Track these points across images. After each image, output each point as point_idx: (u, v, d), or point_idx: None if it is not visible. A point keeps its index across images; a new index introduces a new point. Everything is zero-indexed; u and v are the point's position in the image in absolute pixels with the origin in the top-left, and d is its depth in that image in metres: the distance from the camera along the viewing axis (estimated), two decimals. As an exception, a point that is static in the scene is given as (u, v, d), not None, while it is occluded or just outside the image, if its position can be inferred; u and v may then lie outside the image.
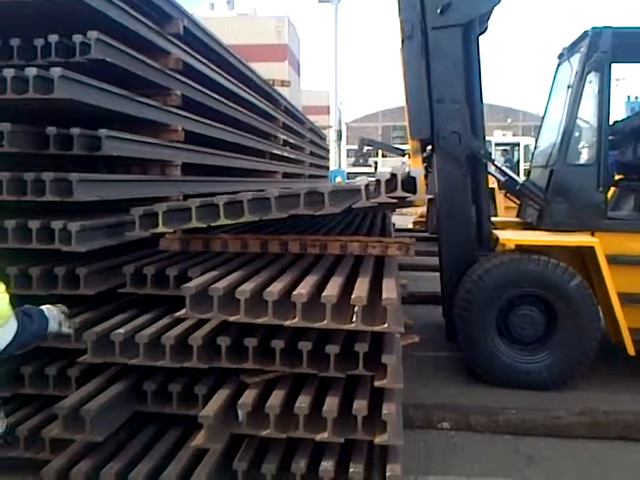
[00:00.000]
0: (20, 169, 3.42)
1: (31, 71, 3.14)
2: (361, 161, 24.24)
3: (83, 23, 3.43)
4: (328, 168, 16.06)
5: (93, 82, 3.48)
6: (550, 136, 6.02)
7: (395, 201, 3.41)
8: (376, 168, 23.80)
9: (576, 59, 5.45)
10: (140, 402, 3.31)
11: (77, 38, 3.37)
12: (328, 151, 16.00)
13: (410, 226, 15.09)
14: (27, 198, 3.35)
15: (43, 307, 2.64)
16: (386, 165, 24.36)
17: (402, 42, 5.36)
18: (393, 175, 3.34)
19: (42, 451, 3.33)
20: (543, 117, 6.55)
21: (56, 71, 3.15)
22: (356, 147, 23.66)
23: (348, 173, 24.86)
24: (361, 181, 3.53)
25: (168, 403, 3.28)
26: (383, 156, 26.53)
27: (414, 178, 3.31)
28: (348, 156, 31.16)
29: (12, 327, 2.17)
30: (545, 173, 5.61)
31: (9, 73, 3.17)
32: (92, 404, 3.02)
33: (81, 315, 3.52)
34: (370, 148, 23.43)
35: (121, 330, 3.21)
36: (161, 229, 3.54)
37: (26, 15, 3.42)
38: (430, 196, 5.17)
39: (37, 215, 3.45)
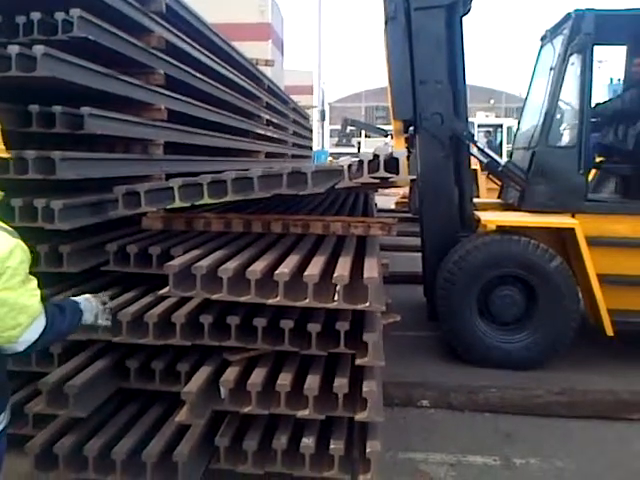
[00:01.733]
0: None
1: (13, 49, 3.11)
2: (344, 141, 24.18)
3: (65, 1, 3.40)
4: (311, 148, 16.02)
5: (76, 60, 3.45)
6: (532, 118, 6.08)
7: (378, 181, 3.43)
8: (359, 148, 23.78)
9: (559, 41, 5.49)
10: (123, 379, 3.34)
11: (59, 15, 3.34)
12: (311, 131, 15.95)
13: (393, 207, 15.16)
14: (9, 176, 3.33)
15: (82, 297, 2.54)
16: (369, 145, 24.31)
17: (385, 23, 5.37)
18: (376, 156, 3.37)
19: (25, 426, 3.36)
20: (525, 99, 6.60)
21: (39, 49, 3.12)
22: (339, 127, 23.62)
23: (331, 153, 24.85)
24: (344, 161, 3.55)
25: (151, 380, 3.31)
26: (366, 136, 26.55)
27: (397, 159, 3.33)
28: (331, 136, 31.09)
29: (40, 325, 2.03)
30: (527, 155, 5.67)
31: (-9, 50, 3.14)
32: (76, 380, 3.04)
33: (64, 293, 3.53)
34: (353, 128, 23.46)
35: (104, 308, 3.21)
36: (144, 208, 3.54)
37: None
38: (413, 177, 5.20)
39: (20, 193, 3.44)
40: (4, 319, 1.92)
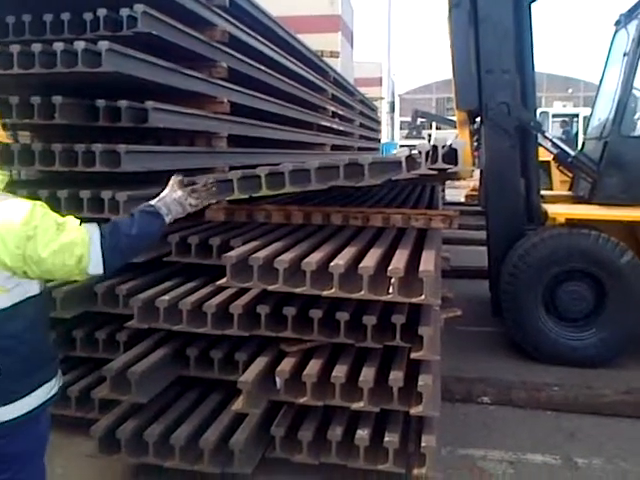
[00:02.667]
0: (71, 141, 3.53)
1: (79, 45, 3.21)
2: (414, 133, 23.93)
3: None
4: (379, 140, 15.91)
5: (140, 55, 3.54)
6: (605, 107, 5.85)
7: (436, 173, 3.38)
8: (430, 140, 23.48)
9: (633, 26, 5.25)
10: (183, 367, 3.42)
11: (124, 12, 3.42)
12: (379, 123, 15.84)
13: (462, 199, 14.87)
14: (78, 169, 3.46)
15: (154, 202, 2.42)
16: (440, 137, 24.02)
17: (449, 10, 5.26)
18: (434, 147, 3.31)
19: (91, 411, 3.50)
20: (599, 87, 6.35)
21: (103, 44, 3.21)
22: (409, 119, 23.37)
23: (401, 145, 24.60)
24: (402, 152, 3.51)
25: (210, 368, 3.38)
26: (437, 128, 26.15)
27: (456, 150, 3.26)
28: (401, 128, 30.83)
29: (96, 243, 2.07)
30: (599, 145, 5.47)
31: (58, 47, 3.25)
32: (138, 367, 3.14)
33: (128, 282, 3.64)
34: (423, 120, 23.15)
35: (166, 297, 3.31)
36: None
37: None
38: (472, 168, 5.07)
39: (87, 185, 3.56)
40: (66, 262, 2.00)
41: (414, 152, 3.40)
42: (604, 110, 5.89)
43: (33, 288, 2.06)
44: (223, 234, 3.72)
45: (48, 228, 2.00)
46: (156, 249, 3.80)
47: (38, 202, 2.06)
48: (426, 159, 3.29)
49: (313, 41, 7.54)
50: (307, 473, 3.17)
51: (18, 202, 2.03)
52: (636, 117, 5.45)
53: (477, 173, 13.49)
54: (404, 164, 3.34)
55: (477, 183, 14.06)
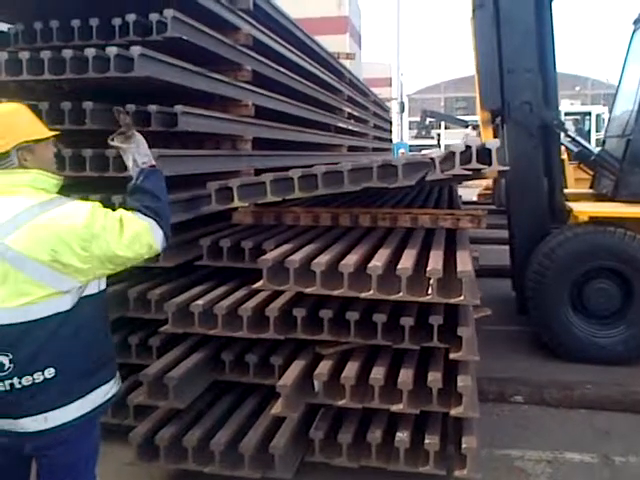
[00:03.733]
0: (100, 146, 3.53)
1: (112, 50, 3.22)
2: (423, 133, 23.95)
3: (158, 2, 3.49)
4: (391, 141, 15.90)
5: (169, 59, 3.54)
6: (626, 104, 5.81)
7: (470, 173, 3.36)
8: (439, 140, 23.46)
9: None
10: (218, 371, 3.41)
11: (154, 17, 3.42)
12: (391, 123, 15.82)
13: (475, 199, 14.86)
14: (109, 174, 3.46)
15: (142, 164, 2.50)
16: (449, 137, 23.97)
17: (473, 11, 5.25)
18: (468, 146, 3.29)
19: (127, 417, 3.50)
20: (618, 85, 6.31)
21: (136, 49, 3.22)
22: (418, 119, 23.36)
23: (410, 145, 24.59)
24: (434, 153, 3.49)
25: (245, 372, 3.37)
26: (446, 128, 26.13)
27: (489, 150, 3.24)
28: (410, 128, 30.82)
29: (154, 226, 2.20)
30: (621, 143, 5.43)
31: (90, 53, 3.26)
32: (175, 372, 3.13)
33: (161, 287, 3.64)
34: (432, 120, 23.12)
35: (200, 302, 3.30)
36: (236, 203, 3.59)
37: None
38: (505, 168, 5.03)
39: (118, 191, 3.56)
40: (139, 252, 2.13)
41: (446, 152, 3.38)
42: (625, 107, 5.85)
43: (90, 287, 2.07)
44: (254, 237, 3.71)
45: (114, 225, 2.06)
46: (184, 254, 3.80)
47: (95, 203, 2.07)
48: (460, 159, 3.27)
49: (322, 43, 7.53)
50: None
51: (77, 204, 2.05)
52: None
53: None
54: (437, 165, 3.33)
55: (490, 182, 14.13)
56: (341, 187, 3.45)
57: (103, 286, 2.18)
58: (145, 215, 2.22)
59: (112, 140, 2.60)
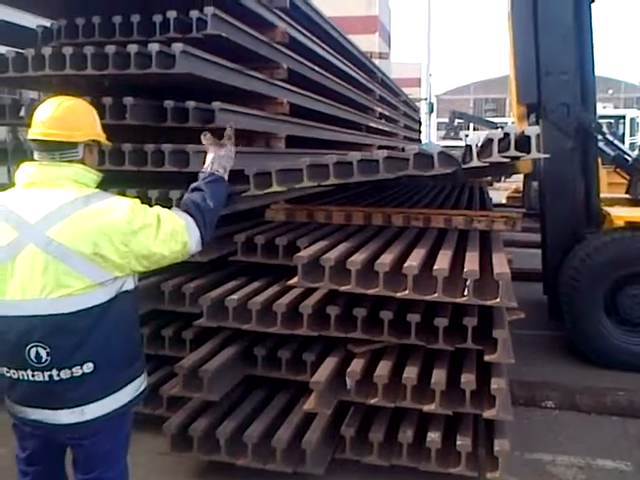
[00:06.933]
0: (135, 141, 3.57)
1: (154, 47, 3.26)
2: (452, 134, 23.73)
3: (197, -1, 3.52)
4: (420, 141, 15.83)
5: (209, 56, 3.57)
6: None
7: (509, 160, 3.30)
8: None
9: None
10: (251, 366, 3.43)
11: (194, 14, 3.45)
12: (420, 124, 15.76)
13: (504, 201, 14.71)
14: (147, 168, 3.50)
15: (208, 169, 2.49)
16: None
17: (511, 6, 5.20)
18: (506, 134, 3.24)
19: (159, 407, 3.54)
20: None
21: (178, 46, 3.26)
22: (447, 120, 23.20)
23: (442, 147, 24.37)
24: (472, 140, 3.45)
25: (277, 368, 3.39)
26: (474, 129, 25.91)
27: (529, 137, 3.18)
28: (439, 129, 30.63)
29: (192, 226, 2.21)
30: (659, 147, 5.34)
31: (132, 49, 3.31)
32: (209, 365, 3.17)
33: (195, 281, 3.67)
34: (461, 121, 22.96)
35: (235, 296, 3.33)
36: (275, 188, 3.57)
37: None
38: (545, 155, 4.83)
39: (155, 184, 3.60)
40: (173, 250, 2.15)
41: (486, 139, 3.33)
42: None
43: (128, 283, 2.10)
44: (288, 234, 3.73)
45: (152, 222, 2.09)
46: (218, 249, 3.83)
47: (135, 199, 2.10)
48: (498, 147, 3.22)
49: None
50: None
51: (119, 200, 2.08)
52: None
53: (519, 176, 13.37)
54: (475, 151, 3.28)
55: (520, 185, 13.99)
56: (376, 175, 3.42)
57: (137, 282, 2.22)
58: (187, 212, 2.25)
59: (205, 136, 2.64)
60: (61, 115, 2.11)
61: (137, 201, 2.13)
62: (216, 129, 3.71)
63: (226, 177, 2.52)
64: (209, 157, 2.55)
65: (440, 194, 6.33)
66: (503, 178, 17.30)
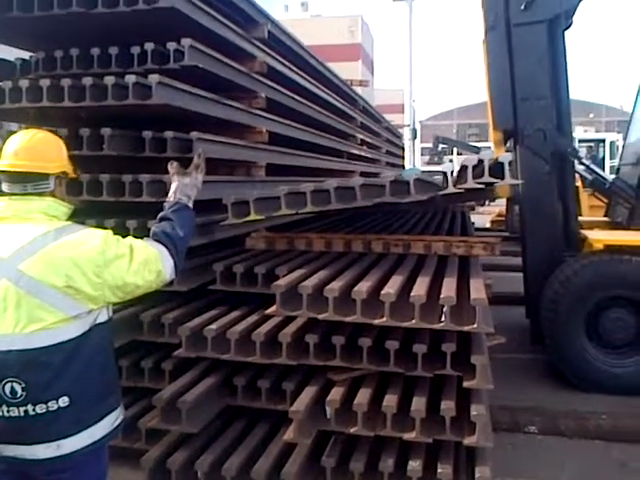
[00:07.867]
0: (116, 171, 3.58)
1: (130, 78, 3.29)
2: (436, 159, 23.95)
3: (175, 31, 3.55)
4: (403, 167, 15.95)
5: (186, 87, 3.60)
6: (640, 132, 5.82)
7: (483, 187, 3.35)
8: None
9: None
10: (230, 396, 3.40)
11: (171, 45, 3.49)
12: (403, 150, 15.90)
13: (488, 225, 14.81)
14: (125, 199, 3.50)
15: (173, 198, 2.56)
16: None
17: (485, 33, 5.29)
18: (480, 160, 3.29)
19: (138, 441, 3.49)
20: (632, 112, 6.33)
21: (154, 77, 3.28)
22: (431, 145, 23.43)
23: (422, 172, 24.60)
24: (446, 167, 3.50)
25: (257, 398, 3.36)
26: (458, 154, 26.16)
27: (502, 163, 3.24)
28: (422, 154, 30.90)
29: (165, 254, 2.25)
30: (636, 171, 5.43)
31: (109, 81, 3.33)
32: (188, 396, 3.13)
33: (174, 311, 3.65)
34: (445, 146, 23.20)
35: (213, 326, 3.31)
36: (252, 216, 3.60)
37: (124, 25, 3.55)
38: (518, 181, 4.91)
39: (133, 214, 3.60)
40: (147, 279, 2.16)
41: (461, 166, 3.38)
42: (639, 135, 5.86)
43: (102, 315, 2.09)
44: (267, 262, 3.73)
45: (125, 253, 2.10)
46: (198, 277, 3.83)
47: (108, 230, 2.11)
48: (472, 174, 3.27)
49: (335, 70, 7.60)
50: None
51: (91, 231, 2.08)
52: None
53: (502, 200, 13.49)
54: (450, 179, 3.32)
55: (503, 209, 14.11)
56: (353, 202, 3.45)
57: (111, 313, 2.22)
58: (159, 242, 2.28)
59: (171, 165, 2.70)
60: (33, 146, 2.12)
61: (110, 232, 2.13)
62: (191, 159, 3.76)
63: (190, 205, 2.58)
64: (173, 186, 2.62)
65: (421, 220, 6.35)
66: (487, 202, 17.47)
